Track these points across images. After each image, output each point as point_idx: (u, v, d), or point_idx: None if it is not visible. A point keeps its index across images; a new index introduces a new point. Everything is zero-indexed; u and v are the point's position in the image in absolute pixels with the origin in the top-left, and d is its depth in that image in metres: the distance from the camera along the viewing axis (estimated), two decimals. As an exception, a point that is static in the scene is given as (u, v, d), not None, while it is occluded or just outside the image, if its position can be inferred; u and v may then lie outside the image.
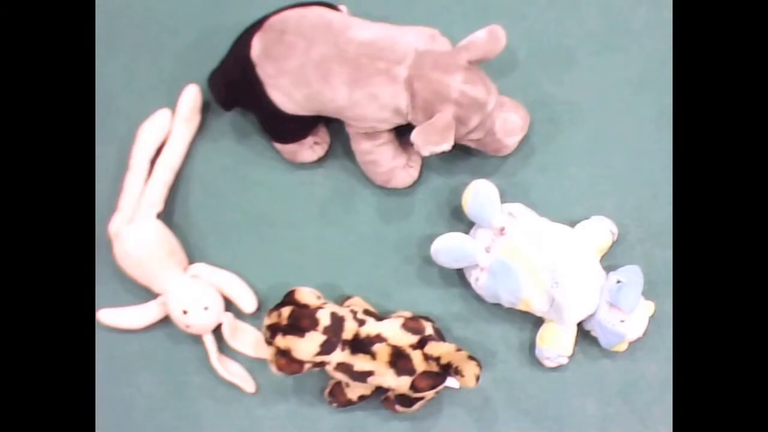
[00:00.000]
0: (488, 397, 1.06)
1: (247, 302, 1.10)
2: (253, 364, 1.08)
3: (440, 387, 0.98)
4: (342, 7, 1.11)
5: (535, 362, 1.07)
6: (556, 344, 1.04)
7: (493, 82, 1.03)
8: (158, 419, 1.08)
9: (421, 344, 0.98)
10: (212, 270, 1.11)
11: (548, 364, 1.06)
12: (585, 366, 1.07)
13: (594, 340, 1.06)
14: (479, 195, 1.05)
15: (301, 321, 0.96)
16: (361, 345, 0.97)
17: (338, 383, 1.04)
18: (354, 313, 1.00)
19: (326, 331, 0.96)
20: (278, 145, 1.13)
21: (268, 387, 1.08)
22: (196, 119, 1.16)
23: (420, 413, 1.05)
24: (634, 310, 1.01)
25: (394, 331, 0.99)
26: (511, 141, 1.08)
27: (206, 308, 1.06)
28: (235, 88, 1.09)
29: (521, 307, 1.04)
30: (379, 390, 1.02)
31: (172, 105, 1.15)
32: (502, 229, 1.04)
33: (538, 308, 1.03)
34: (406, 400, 1.02)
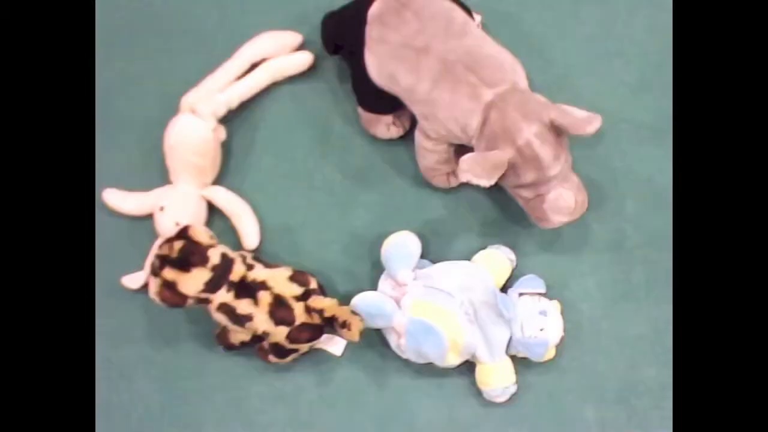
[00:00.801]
0: (487, 404, 1.06)
1: (250, 239, 1.12)
2: (254, 368, 1.08)
3: (318, 343, 1.01)
4: (477, 16, 1.10)
5: (535, 367, 1.06)
6: (497, 380, 1.03)
7: (569, 154, 1.00)
8: (157, 425, 1.07)
9: (305, 297, 1.00)
10: (228, 198, 1.12)
11: (500, 400, 1.04)
12: (584, 371, 1.07)
13: (593, 345, 1.06)
14: (398, 246, 1.05)
15: (191, 256, 0.98)
16: (246, 288, 1.00)
17: (225, 327, 1.05)
18: (244, 257, 1.03)
19: (214, 269, 0.99)
20: (360, 110, 1.14)
21: (266, 392, 1.08)
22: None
23: (413, 418, 1.05)
24: (513, 314, 1.01)
25: (280, 280, 1.01)
26: (556, 219, 1.02)
27: (177, 224, 1.07)
28: (342, 35, 1.11)
29: (449, 360, 1.02)
30: (260, 338, 1.03)
31: (171, 108, 1.15)
32: (404, 285, 1.04)
33: (466, 351, 1.02)
34: (280, 351, 1.03)
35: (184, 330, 1.10)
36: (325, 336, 1.04)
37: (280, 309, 1.00)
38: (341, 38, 1.12)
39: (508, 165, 0.96)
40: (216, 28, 1.23)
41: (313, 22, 1.20)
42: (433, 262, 1.08)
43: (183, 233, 1.01)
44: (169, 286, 0.98)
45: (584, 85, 1.16)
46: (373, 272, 1.10)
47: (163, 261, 0.99)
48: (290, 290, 1.01)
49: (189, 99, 1.13)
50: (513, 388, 1.04)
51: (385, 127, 1.13)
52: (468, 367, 1.05)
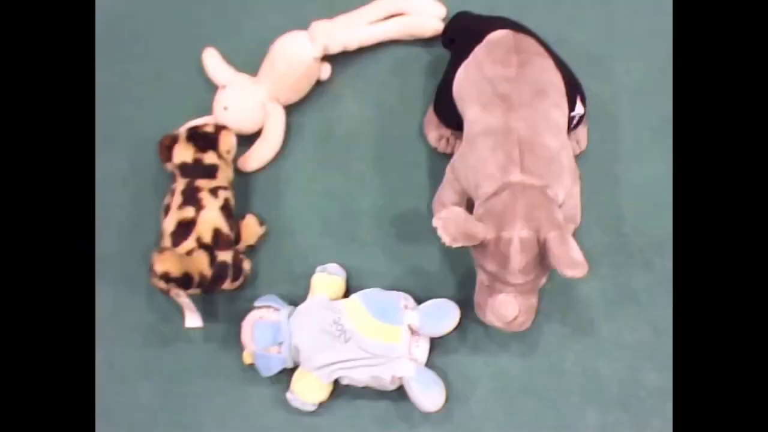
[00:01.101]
0: (487, 408, 1.06)
1: (249, 161, 1.15)
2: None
3: (182, 299, 1.06)
4: (581, 107, 1.07)
5: (535, 370, 1.07)
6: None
7: (544, 277, 0.99)
8: (157, 429, 1.07)
9: (207, 247, 1.04)
10: (275, 124, 1.16)
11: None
12: (585, 374, 1.07)
13: (594, 348, 1.06)
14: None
15: (199, 138, 1.09)
16: (190, 195, 1.06)
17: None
18: (225, 195, 1.08)
19: (195, 161, 1.08)
20: (429, 109, 1.15)
21: (268, 395, 1.08)
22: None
23: (413, 421, 1.05)
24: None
25: (208, 220, 1.05)
26: (489, 317, 1.00)
27: (225, 108, 1.13)
28: (459, 37, 1.13)
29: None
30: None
31: (171, 111, 1.15)
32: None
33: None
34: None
35: (185, 334, 1.10)
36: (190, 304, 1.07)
37: (180, 229, 1.05)
38: (456, 38, 1.14)
39: (481, 243, 0.94)
40: (216, 30, 1.23)
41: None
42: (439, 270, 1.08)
43: (220, 128, 1.10)
44: (173, 139, 1.09)
45: (585, 88, 1.16)
46: (372, 279, 1.11)
47: (191, 128, 1.10)
48: (208, 230, 1.05)
49: (319, 26, 1.16)
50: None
51: (438, 136, 1.15)
52: (471, 371, 1.06)
